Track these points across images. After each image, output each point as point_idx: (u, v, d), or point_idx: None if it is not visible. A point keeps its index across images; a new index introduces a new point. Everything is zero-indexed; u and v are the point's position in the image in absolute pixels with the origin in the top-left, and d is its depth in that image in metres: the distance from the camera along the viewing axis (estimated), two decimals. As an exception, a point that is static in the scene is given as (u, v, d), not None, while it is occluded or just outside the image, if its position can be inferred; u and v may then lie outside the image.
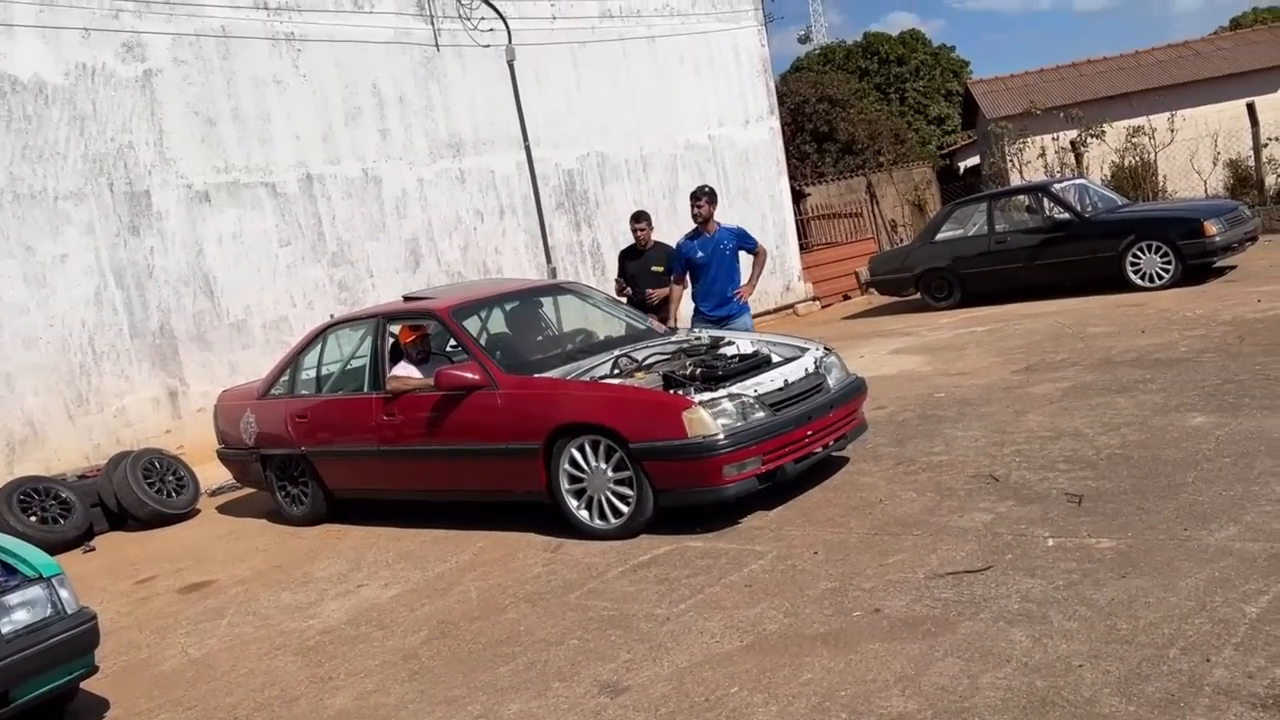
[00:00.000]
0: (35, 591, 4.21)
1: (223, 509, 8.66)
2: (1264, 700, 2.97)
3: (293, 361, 7.60)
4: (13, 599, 4.15)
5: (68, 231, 9.22)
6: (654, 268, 8.61)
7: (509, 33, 12.22)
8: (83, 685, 4.65)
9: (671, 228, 14.25)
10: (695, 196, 7.81)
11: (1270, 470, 4.90)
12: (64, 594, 4.27)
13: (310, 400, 7.30)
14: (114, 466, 8.45)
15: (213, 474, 8.94)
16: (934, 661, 3.59)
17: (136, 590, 6.57)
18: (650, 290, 8.45)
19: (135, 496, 8.23)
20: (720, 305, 7.77)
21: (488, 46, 12.14)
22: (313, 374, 7.48)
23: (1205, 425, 5.85)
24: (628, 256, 8.96)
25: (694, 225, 7.93)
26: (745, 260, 8.07)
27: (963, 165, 29.84)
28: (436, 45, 11.84)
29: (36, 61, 9.10)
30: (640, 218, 8.88)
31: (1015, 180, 18.40)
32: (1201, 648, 3.33)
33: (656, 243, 8.89)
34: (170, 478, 8.60)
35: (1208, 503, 4.63)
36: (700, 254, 7.80)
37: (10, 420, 8.81)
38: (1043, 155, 18.12)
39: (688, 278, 8.01)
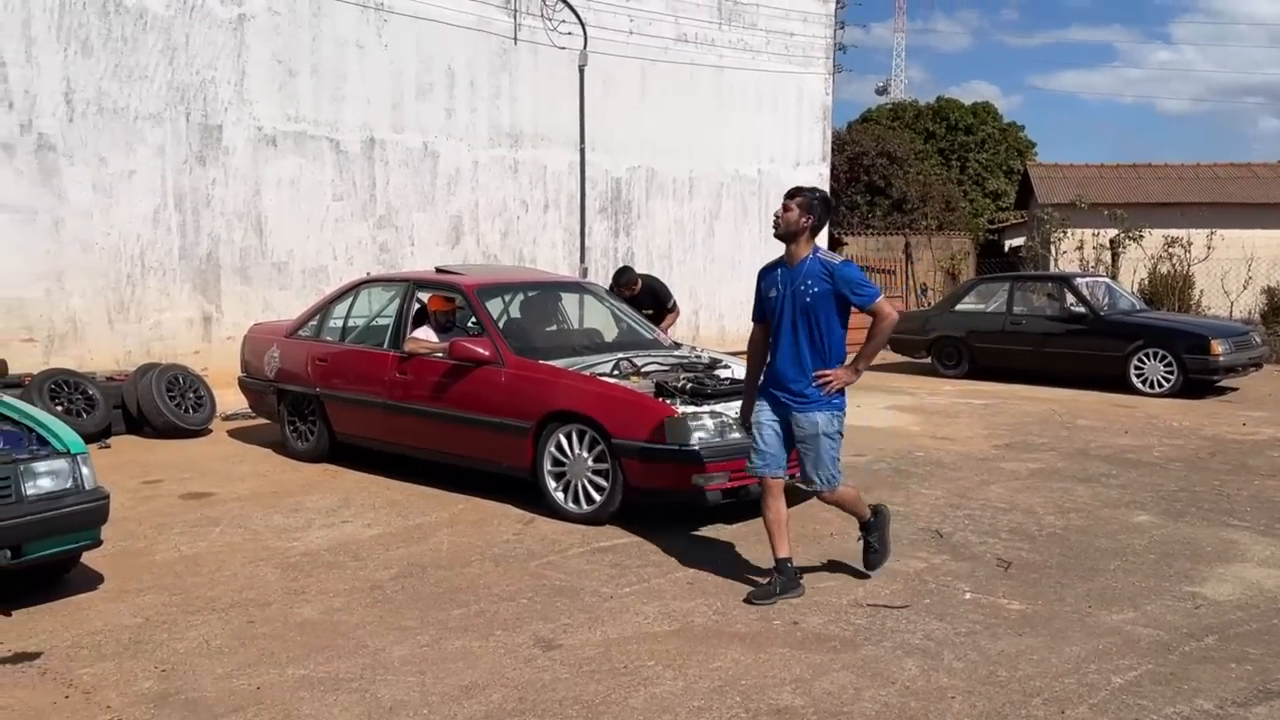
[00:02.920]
0: (61, 464, 4.72)
1: (233, 433, 9.20)
2: (1096, 750, 3.39)
3: (324, 308, 8.13)
4: (41, 466, 4.66)
5: (140, 150, 9.83)
6: (645, 310, 9.02)
7: (585, 39, 12.77)
8: (83, 559, 5.16)
9: (707, 253, 14.81)
10: (790, 195, 4.95)
11: (1184, 572, 5.30)
12: (85, 471, 4.78)
13: (333, 347, 7.81)
14: (141, 375, 9.02)
15: (230, 400, 9.47)
16: (830, 671, 4.02)
17: (142, 489, 7.10)
18: None
19: (156, 405, 8.79)
20: (786, 380, 4.81)
21: (563, 49, 12.69)
22: (340, 323, 8.00)
23: (1145, 524, 6.25)
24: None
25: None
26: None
27: (1009, 244, 30.17)
28: (515, 38, 12.41)
29: (143, -11, 9.73)
30: (624, 277, 9.10)
31: (1054, 267, 18.79)
32: (1061, 702, 3.75)
33: (642, 278, 9.26)
34: (191, 395, 9.15)
35: (1118, 588, 5.04)
36: (774, 292, 4.91)
37: (55, 314, 9.41)
38: (1080, 248, 18.47)
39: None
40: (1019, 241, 27.15)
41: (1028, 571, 5.31)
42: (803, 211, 4.84)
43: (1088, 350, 12.21)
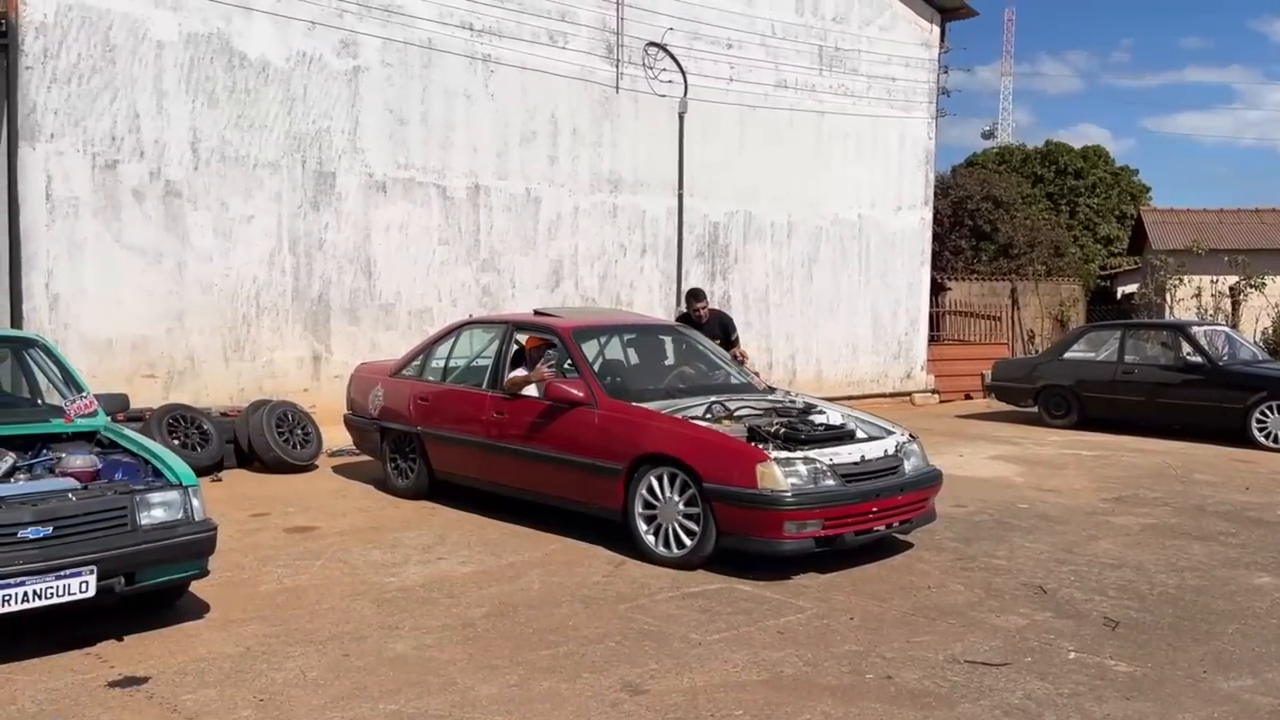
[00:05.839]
0: (173, 495, 4.93)
1: (338, 469, 9.45)
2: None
3: (427, 349, 8.34)
4: (155, 498, 4.87)
5: (259, 196, 10.29)
6: (713, 339, 9.05)
7: (686, 87, 12.93)
8: (191, 587, 5.35)
9: (805, 296, 14.72)
10: None
11: (1310, 638, 5.00)
12: (195, 503, 4.97)
13: (434, 386, 7.99)
14: (253, 411, 9.36)
15: (336, 436, 9.75)
16: (923, 729, 3.90)
17: (249, 522, 7.34)
18: None
19: (265, 441, 9.10)
20: None
21: (664, 96, 12.86)
22: (442, 363, 8.19)
23: (1267, 586, 5.92)
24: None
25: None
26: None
27: (1121, 290, 29.23)
28: (616, 88, 12.63)
29: (265, 44, 10.24)
30: (699, 296, 9.43)
31: (1169, 315, 18.13)
32: (1171, 771, 3.56)
33: (713, 311, 9.38)
34: (299, 431, 9.46)
35: (1236, 653, 4.78)
36: None
37: (175, 352, 9.86)
38: (1198, 296, 17.79)
39: None
40: (1132, 288, 26.29)
41: (1137, 632, 5.08)
42: None
43: (1205, 401, 11.70)
